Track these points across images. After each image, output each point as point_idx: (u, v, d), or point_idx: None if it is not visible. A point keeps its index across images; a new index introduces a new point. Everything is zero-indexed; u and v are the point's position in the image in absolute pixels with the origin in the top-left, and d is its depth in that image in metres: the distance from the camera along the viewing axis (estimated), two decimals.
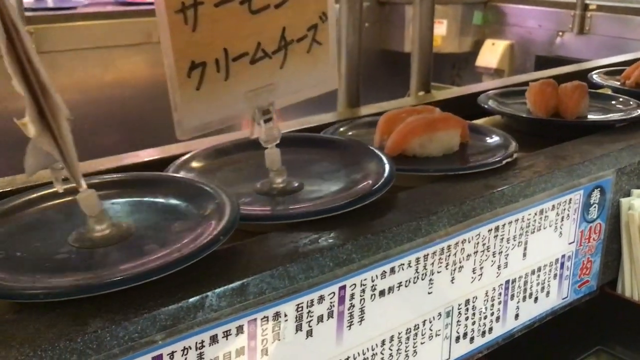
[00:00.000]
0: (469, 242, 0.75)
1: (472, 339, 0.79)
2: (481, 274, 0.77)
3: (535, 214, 0.82)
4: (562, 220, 0.86)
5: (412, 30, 1.25)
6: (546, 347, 0.93)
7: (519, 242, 0.81)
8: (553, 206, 0.84)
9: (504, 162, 0.83)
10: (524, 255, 0.82)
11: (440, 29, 3.10)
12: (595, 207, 0.91)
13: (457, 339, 0.77)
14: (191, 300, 0.54)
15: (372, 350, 0.69)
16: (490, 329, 0.81)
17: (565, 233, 0.88)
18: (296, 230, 0.66)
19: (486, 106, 1.10)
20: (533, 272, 0.85)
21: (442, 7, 2.98)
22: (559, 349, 0.95)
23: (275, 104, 0.71)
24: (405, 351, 0.72)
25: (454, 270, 0.74)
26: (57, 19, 2.21)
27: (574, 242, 0.89)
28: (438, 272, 0.72)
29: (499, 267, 0.79)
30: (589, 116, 1.09)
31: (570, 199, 0.87)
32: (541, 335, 0.90)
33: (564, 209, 0.86)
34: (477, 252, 0.76)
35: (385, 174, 0.73)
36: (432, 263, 0.71)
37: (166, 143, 0.96)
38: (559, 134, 1.00)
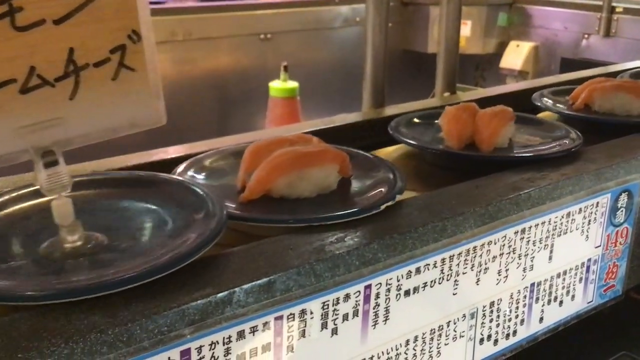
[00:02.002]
0: (495, 243, 0.74)
1: (496, 341, 0.79)
2: (506, 276, 0.77)
3: (562, 216, 0.81)
4: (589, 223, 0.86)
5: (438, 31, 1.25)
6: (570, 351, 0.92)
7: (545, 245, 0.81)
8: (580, 209, 0.84)
9: (382, 207, 0.69)
10: (550, 258, 0.82)
11: (465, 30, 3.09)
12: (622, 210, 0.90)
13: (481, 340, 0.77)
14: (219, 295, 0.55)
15: (396, 350, 0.69)
16: (515, 332, 0.81)
17: (592, 237, 0.87)
18: (323, 228, 0.66)
19: (393, 133, 0.94)
20: (558, 276, 0.84)
21: (467, 8, 2.96)
22: (584, 353, 0.94)
23: (63, 143, 0.56)
24: (429, 352, 0.72)
25: (480, 271, 0.74)
26: None
27: (600, 245, 0.89)
28: (463, 273, 0.72)
29: (524, 269, 0.79)
30: (514, 147, 0.93)
31: (598, 203, 0.86)
32: (565, 339, 0.89)
33: (591, 213, 0.86)
34: (502, 254, 0.76)
35: (209, 231, 0.59)
36: (458, 264, 0.71)
37: (190, 141, 0.97)
38: (470, 168, 0.86)
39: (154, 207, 0.66)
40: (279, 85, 2.05)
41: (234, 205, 0.70)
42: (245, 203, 0.71)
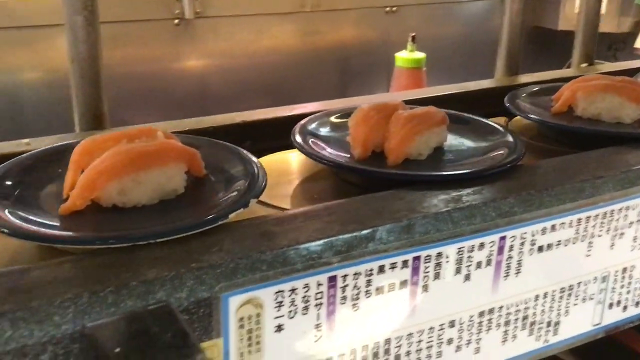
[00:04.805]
0: (633, 209, 0.74)
1: (625, 307, 0.78)
2: None
3: None
4: None
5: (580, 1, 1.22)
6: None
7: None
8: None
9: (219, 222, 0.57)
10: None
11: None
12: None
13: (610, 305, 0.77)
14: (363, 232, 0.59)
15: (525, 303, 0.70)
16: None
17: None
18: (460, 182, 0.69)
19: (294, 130, 0.78)
20: None
21: None
22: None
23: None
24: (558, 310, 0.73)
25: (615, 236, 0.74)
26: None
27: None
28: (598, 236, 0.72)
29: None
30: (434, 160, 0.75)
31: None
32: None
33: None
34: None
35: None
36: (594, 226, 0.72)
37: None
38: (364, 182, 0.73)
39: None
40: (406, 56, 2.07)
41: (49, 222, 0.57)
42: (66, 216, 0.58)
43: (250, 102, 2.46)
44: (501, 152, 0.75)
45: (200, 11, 2.25)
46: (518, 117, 0.93)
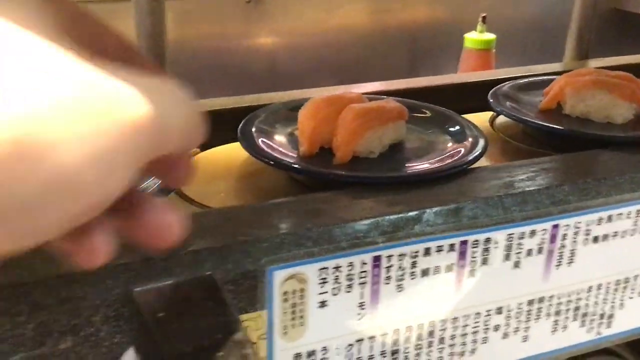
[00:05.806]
0: None
1: None
2: None
3: None
4: None
5: None
6: None
7: None
8: None
9: None
10: None
11: None
12: None
13: None
14: (410, 213, 0.59)
15: (577, 294, 0.69)
16: None
17: None
18: (513, 166, 0.68)
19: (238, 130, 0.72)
20: None
21: None
22: None
23: None
24: (612, 302, 0.71)
25: None
26: None
27: None
28: None
29: None
30: (384, 159, 0.70)
31: None
32: None
33: None
34: None
35: None
36: None
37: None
38: (308, 181, 0.69)
39: None
40: (475, 37, 2.02)
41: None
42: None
43: (319, 80, 2.47)
44: (461, 150, 0.70)
45: None
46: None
